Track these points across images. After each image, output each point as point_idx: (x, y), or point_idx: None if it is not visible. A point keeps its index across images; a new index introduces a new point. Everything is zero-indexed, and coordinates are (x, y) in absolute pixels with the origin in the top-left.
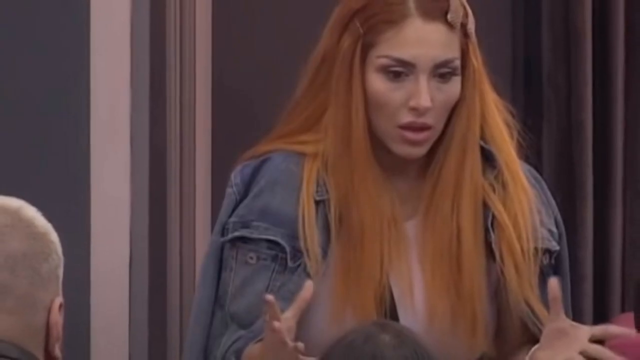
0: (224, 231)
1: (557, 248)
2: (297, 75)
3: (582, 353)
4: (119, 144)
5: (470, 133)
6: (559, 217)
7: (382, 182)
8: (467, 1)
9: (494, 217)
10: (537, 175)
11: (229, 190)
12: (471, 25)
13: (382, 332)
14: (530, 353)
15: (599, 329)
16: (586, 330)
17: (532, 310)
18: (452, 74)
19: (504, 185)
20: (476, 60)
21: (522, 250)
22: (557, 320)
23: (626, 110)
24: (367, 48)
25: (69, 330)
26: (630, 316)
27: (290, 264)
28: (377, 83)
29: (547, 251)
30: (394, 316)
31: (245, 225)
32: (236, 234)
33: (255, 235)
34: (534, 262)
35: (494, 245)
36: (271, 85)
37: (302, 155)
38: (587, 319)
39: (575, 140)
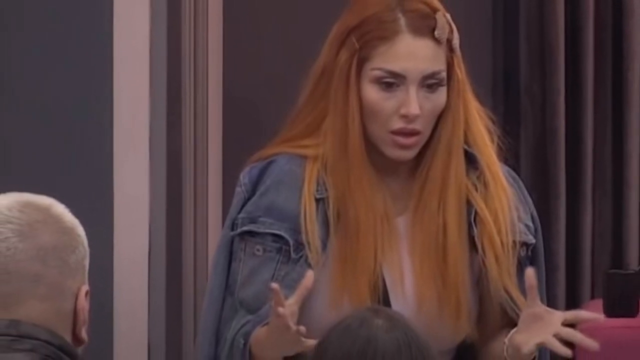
0: (233, 226)
1: (533, 241)
2: (299, 86)
3: (555, 336)
4: (139, 148)
5: (455, 138)
6: (534, 213)
7: (375, 181)
8: (451, 19)
9: (476, 213)
10: (515, 175)
11: (238, 189)
12: (456, 41)
13: (376, 316)
14: (509, 335)
15: (571, 314)
16: (559, 315)
17: (511, 297)
18: (439, 84)
19: (485, 185)
20: (460, 72)
21: (502, 243)
22: (533, 306)
23: (595, 117)
24: (362, 61)
25: (94, 315)
26: (599, 302)
27: (293, 255)
28: (372, 93)
29: (524, 244)
30: (387, 302)
31: (253, 220)
32: (245, 228)
33: (261, 230)
34: (512, 254)
35: (476, 239)
36: (276, 95)
37: (304, 157)
38: (560, 305)
39: (549, 144)
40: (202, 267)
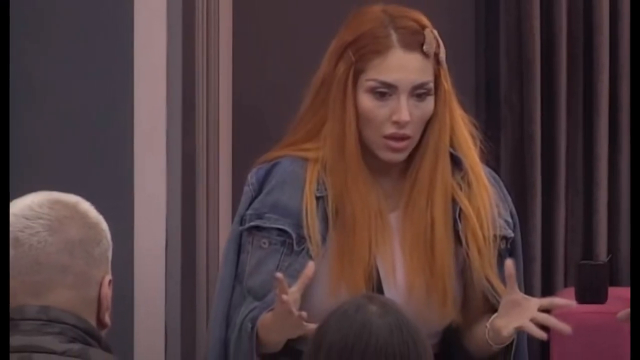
0: (242, 221)
1: (512, 235)
2: (301, 95)
3: (532, 320)
4: (157, 151)
5: (442, 142)
6: (513, 209)
7: (370, 181)
8: (438, 35)
9: (460, 210)
10: (496, 176)
11: (246, 188)
12: (442, 55)
13: (370, 303)
14: (490, 320)
15: (546, 301)
16: (536, 302)
17: (492, 286)
18: (427, 94)
19: (469, 184)
20: (446, 83)
21: (484, 236)
22: (512, 294)
23: (568, 124)
24: (358, 73)
25: (116, 302)
26: (571, 290)
27: (296, 248)
28: (366, 101)
29: (504, 237)
30: (380, 290)
31: (260, 216)
32: (252, 223)
33: (267, 225)
34: (493, 246)
35: (460, 233)
36: (280, 104)
37: (306, 160)
38: (536, 293)
39: (527, 148)
40: (213, 258)
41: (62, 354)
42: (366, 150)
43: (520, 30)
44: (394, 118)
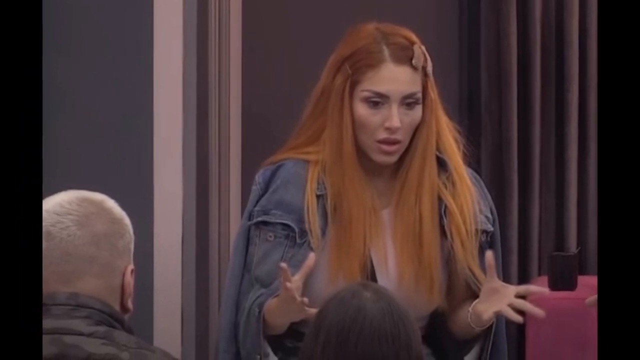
0: (250, 217)
1: (492, 229)
2: (303, 104)
3: (510, 305)
4: (174, 154)
5: (429, 146)
6: (493, 206)
7: (365, 181)
8: (426, 50)
9: (446, 207)
10: (477, 176)
11: (254, 187)
12: (429, 68)
13: (365, 290)
14: (472, 305)
15: (522, 288)
16: (513, 289)
17: (474, 275)
18: (416, 103)
19: (453, 184)
20: (433, 93)
21: (467, 231)
22: (491, 282)
23: (541, 130)
24: (354, 84)
25: (138, 289)
26: (544, 279)
27: (298, 240)
28: (361, 110)
29: (485, 231)
30: (374, 279)
31: (266, 212)
32: (259, 219)
33: (273, 220)
34: (475, 240)
35: (446, 227)
36: (285, 112)
37: (307, 162)
38: (513, 281)
39: (505, 152)
40: (225, 250)
41: (89, 335)
42: (361, 154)
43: (499, 46)
44: (386, 124)
